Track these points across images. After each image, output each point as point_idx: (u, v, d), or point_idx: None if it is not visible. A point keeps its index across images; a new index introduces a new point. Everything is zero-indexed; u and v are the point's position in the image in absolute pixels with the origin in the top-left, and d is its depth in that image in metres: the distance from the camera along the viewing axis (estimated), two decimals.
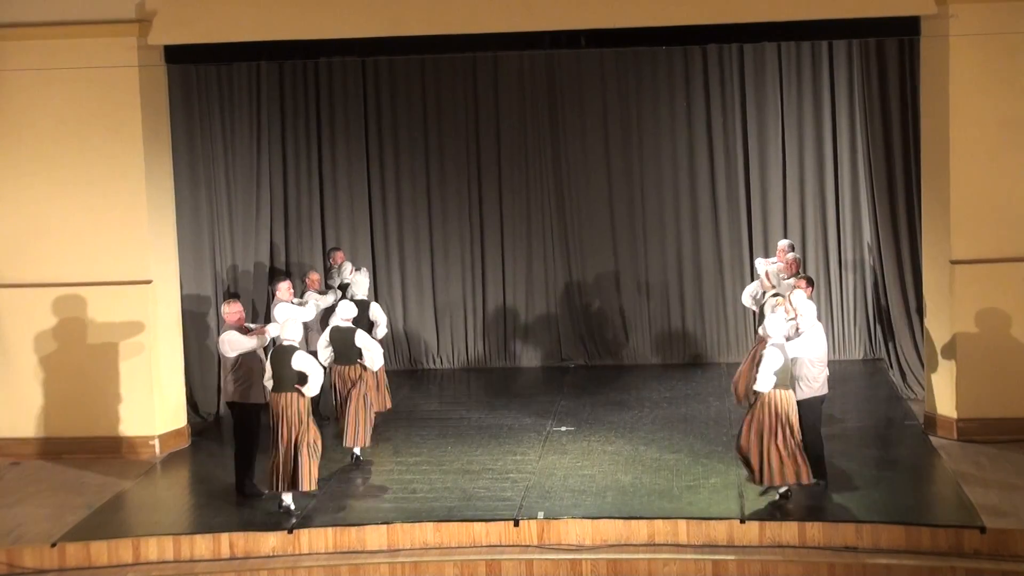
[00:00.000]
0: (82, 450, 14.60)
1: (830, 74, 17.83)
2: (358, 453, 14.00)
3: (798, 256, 15.53)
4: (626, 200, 18.40)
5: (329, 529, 12.08)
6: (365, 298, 15.09)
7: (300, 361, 12.27)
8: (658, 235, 18.41)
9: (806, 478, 12.04)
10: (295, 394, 12.29)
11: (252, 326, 13.25)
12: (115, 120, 14.45)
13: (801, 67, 17.91)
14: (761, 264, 16.03)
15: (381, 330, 14.98)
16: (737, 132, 18.11)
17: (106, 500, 13.17)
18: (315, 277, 15.54)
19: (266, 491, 12.82)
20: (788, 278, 14.87)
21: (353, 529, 12.07)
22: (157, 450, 14.65)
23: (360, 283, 15.19)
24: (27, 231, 14.60)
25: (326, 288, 16.12)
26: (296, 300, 14.37)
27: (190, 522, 12.54)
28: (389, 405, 15.02)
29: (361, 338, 13.80)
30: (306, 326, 14.55)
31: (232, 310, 13.09)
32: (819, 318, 12.53)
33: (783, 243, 16.07)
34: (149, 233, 14.59)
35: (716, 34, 14.64)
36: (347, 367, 13.94)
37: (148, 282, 14.57)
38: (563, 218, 18.51)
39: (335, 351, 13.88)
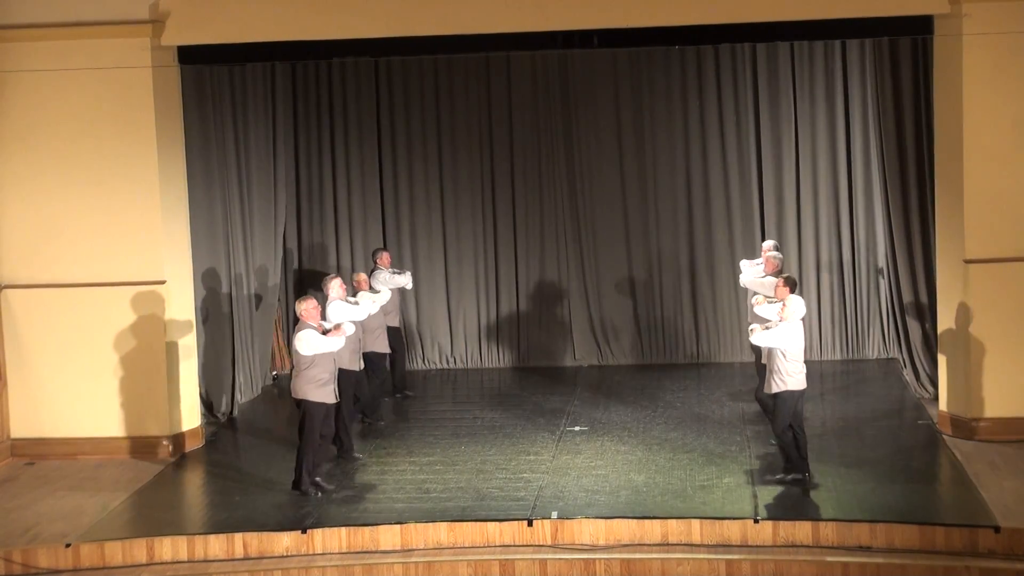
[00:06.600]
0: (96, 450, 14.63)
1: (843, 74, 17.79)
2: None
3: (780, 256, 15.34)
4: (639, 200, 18.38)
5: (343, 529, 12.08)
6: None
7: None
8: (671, 235, 18.39)
9: None
10: None
11: (328, 325, 13.08)
12: (128, 120, 14.46)
13: (814, 66, 17.88)
14: (746, 265, 15.92)
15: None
16: (750, 132, 18.08)
17: (120, 500, 13.19)
18: (363, 278, 15.47)
19: (320, 493, 12.87)
20: (765, 276, 14.83)
21: (367, 529, 12.07)
22: (171, 450, 14.67)
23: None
24: (41, 232, 14.62)
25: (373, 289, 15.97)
26: (351, 299, 14.22)
27: (204, 522, 12.57)
28: None
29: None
30: (362, 325, 14.36)
31: (307, 306, 12.85)
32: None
33: (767, 244, 15.98)
34: (163, 233, 14.61)
35: (729, 34, 14.62)
36: None
37: (162, 282, 14.59)
38: (576, 218, 18.50)
39: None
